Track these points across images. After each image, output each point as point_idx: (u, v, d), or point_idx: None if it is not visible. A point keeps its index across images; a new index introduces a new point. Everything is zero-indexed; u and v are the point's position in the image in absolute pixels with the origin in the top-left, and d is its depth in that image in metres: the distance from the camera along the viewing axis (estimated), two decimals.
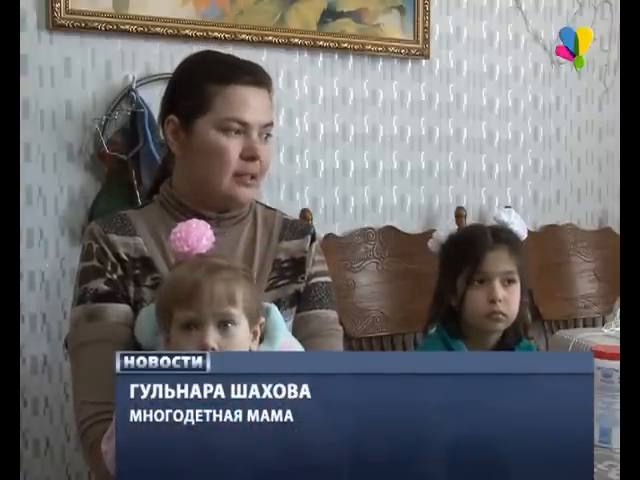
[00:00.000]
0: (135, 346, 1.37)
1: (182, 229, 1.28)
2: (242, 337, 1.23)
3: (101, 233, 1.42)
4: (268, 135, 1.46)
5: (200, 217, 1.36)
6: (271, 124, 1.46)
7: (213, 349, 1.18)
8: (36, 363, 2.15)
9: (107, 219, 1.46)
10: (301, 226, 1.58)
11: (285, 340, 1.32)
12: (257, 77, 1.43)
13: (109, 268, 1.40)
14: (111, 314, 1.37)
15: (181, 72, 1.50)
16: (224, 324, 1.20)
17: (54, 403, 2.17)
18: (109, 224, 1.44)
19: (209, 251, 1.29)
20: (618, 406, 1.28)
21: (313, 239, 1.56)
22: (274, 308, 1.35)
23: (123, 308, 1.39)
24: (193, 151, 1.43)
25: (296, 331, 1.46)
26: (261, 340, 1.29)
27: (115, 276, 1.40)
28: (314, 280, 1.53)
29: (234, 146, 1.41)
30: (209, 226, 1.30)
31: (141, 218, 1.46)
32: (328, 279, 1.57)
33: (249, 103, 1.41)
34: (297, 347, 1.38)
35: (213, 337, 1.19)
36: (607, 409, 1.32)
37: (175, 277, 1.24)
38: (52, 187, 2.15)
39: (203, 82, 1.42)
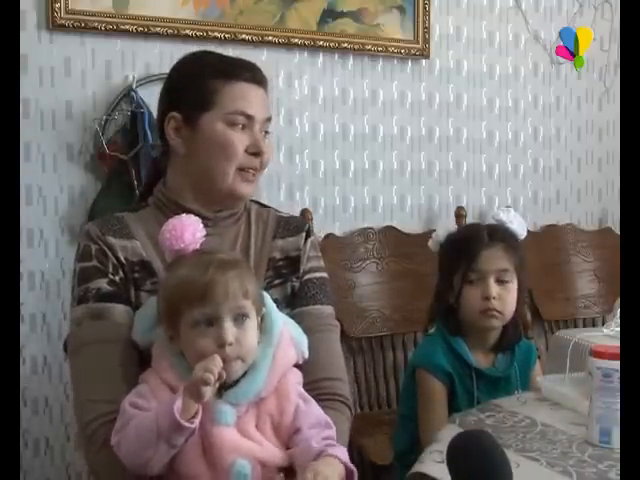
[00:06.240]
0: (134, 346, 1.37)
1: (175, 226, 1.29)
2: (254, 328, 1.27)
3: (99, 235, 1.42)
4: (267, 132, 1.49)
5: (198, 217, 1.37)
6: (270, 119, 1.50)
7: (231, 344, 1.21)
8: (36, 363, 2.15)
9: (104, 221, 1.46)
10: (296, 223, 1.58)
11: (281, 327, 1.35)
12: (256, 75, 1.47)
13: (111, 270, 1.39)
14: (116, 314, 1.37)
15: (181, 69, 1.50)
16: (240, 318, 1.24)
17: (54, 403, 2.17)
18: (106, 226, 1.43)
19: (202, 245, 1.31)
20: (618, 406, 1.28)
21: (308, 235, 1.56)
22: (265, 294, 1.38)
23: (126, 309, 1.39)
24: (199, 146, 1.44)
25: None
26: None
27: (117, 278, 1.39)
28: (308, 276, 1.53)
29: (241, 140, 1.43)
30: (199, 219, 1.33)
31: (137, 221, 1.46)
32: (323, 274, 1.56)
33: (251, 99, 1.45)
34: (293, 328, 1.40)
35: (231, 332, 1.22)
36: (607, 409, 1.31)
37: (185, 277, 1.24)
38: (52, 187, 2.15)
39: (206, 78, 1.44)
